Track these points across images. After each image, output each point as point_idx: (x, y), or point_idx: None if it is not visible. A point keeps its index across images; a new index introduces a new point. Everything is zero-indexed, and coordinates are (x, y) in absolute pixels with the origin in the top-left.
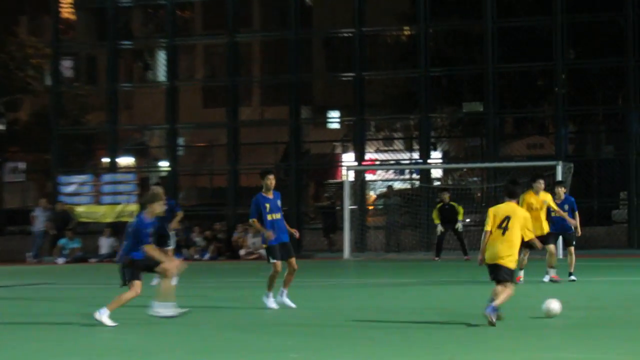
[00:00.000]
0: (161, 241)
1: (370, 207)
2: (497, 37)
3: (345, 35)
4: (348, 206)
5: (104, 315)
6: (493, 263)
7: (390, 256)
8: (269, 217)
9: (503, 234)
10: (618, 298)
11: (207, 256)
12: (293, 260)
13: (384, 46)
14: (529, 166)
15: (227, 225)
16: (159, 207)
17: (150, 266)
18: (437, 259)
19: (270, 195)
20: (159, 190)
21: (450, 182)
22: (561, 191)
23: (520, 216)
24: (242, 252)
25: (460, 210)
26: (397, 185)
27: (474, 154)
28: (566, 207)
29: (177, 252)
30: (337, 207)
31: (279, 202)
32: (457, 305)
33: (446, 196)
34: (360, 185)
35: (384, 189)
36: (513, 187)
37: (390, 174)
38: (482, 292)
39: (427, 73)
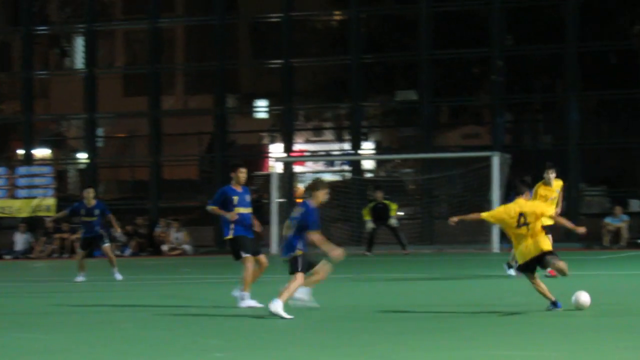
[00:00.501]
0: (96, 241)
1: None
2: (432, 22)
3: (273, 20)
4: (276, 199)
5: (279, 307)
6: (537, 255)
7: (320, 251)
8: (235, 210)
9: (528, 229)
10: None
11: (128, 252)
12: (262, 257)
13: (313, 32)
14: (465, 157)
15: (149, 219)
16: (323, 195)
17: (312, 264)
18: (368, 253)
19: (240, 189)
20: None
21: (383, 174)
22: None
23: (529, 206)
24: (164, 247)
25: (394, 207)
26: (327, 177)
27: (408, 144)
28: None
29: (98, 249)
30: (265, 200)
31: (247, 197)
32: (393, 302)
33: (379, 195)
34: (288, 177)
35: None
36: (518, 183)
37: (320, 166)
38: (415, 288)
39: (358, 60)
